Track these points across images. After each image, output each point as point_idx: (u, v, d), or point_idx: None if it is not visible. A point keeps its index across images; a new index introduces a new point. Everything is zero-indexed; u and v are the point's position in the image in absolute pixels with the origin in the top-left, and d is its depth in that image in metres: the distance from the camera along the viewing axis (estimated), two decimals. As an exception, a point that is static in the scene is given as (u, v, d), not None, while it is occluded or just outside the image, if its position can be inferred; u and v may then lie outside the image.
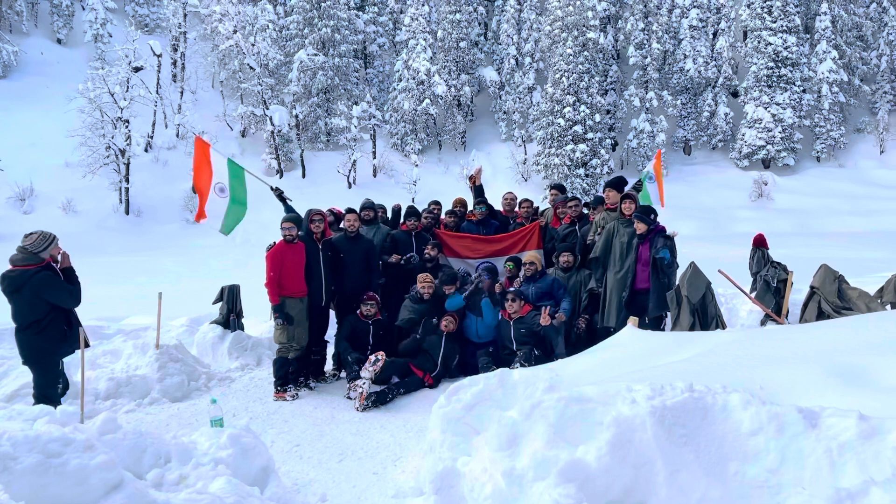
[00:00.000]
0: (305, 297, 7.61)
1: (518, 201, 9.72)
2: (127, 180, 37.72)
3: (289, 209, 8.44)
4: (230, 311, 9.08)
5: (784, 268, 7.46)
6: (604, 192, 8.24)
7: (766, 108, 45.00)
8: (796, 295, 8.01)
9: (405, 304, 8.07)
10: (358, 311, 7.88)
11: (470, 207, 9.76)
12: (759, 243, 7.94)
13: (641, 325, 6.99)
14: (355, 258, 8.08)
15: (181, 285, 21.75)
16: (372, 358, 7.09)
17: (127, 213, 37.85)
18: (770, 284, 7.24)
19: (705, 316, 6.51)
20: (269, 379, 7.69)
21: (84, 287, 6.28)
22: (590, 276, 8.01)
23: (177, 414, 6.76)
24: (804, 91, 45.91)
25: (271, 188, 8.76)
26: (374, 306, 7.83)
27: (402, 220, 9.23)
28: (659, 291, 7.02)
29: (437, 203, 9.75)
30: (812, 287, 6.78)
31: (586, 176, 42.59)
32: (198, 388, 7.50)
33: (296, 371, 7.60)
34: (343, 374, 7.81)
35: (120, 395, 6.99)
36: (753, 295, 7.55)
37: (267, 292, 7.43)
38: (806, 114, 46.17)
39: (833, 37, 46.81)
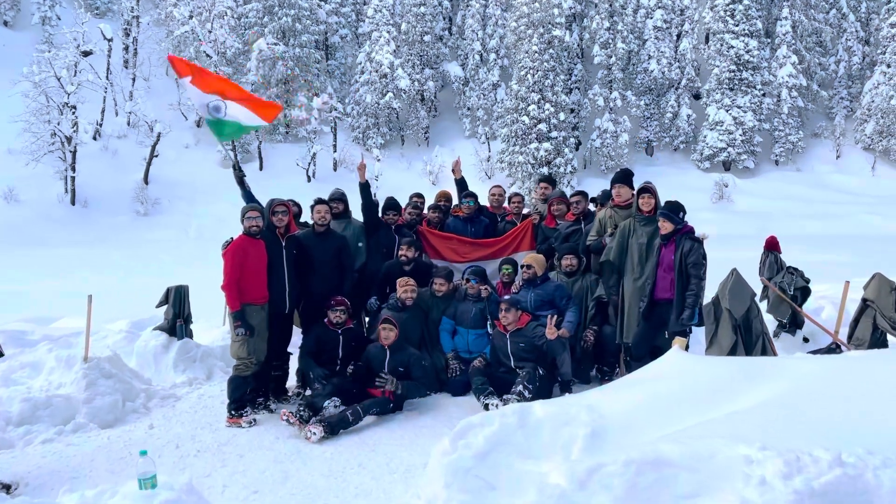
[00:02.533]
0: (266, 305, 6.48)
1: (507, 196, 8.71)
2: (73, 169, 35.86)
3: (248, 196, 7.08)
4: (176, 316, 7.85)
5: (801, 274, 6.66)
6: (612, 188, 7.22)
7: (727, 111, 45.19)
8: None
9: (383, 313, 7.04)
10: (325, 319, 6.79)
11: (455, 202, 8.69)
12: (772, 247, 7.11)
13: (662, 342, 6.16)
14: (325, 257, 6.96)
15: (129, 281, 20.45)
16: (325, 403, 5.97)
17: (73, 203, 36.03)
18: (786, 293, 6.44)
19: (749, 334, 5.64)
20: (220, 397, 6.54)
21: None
22: (597, 281, 7.13)
23: (106, 445, 5.56)
24: (764, 95, 46.18)
25: (234, 166, 7.54)
26: (344, 312, 6.74)
27: (380, 213, 8.09)
28: (684, 302, 6.05)
29: (419, 196, 8.69)
30: (865, 299, 5.95)
31: (550, 174, 42.10)
32: (134, 409, 6.29)
33: (254, 390, 6.48)
34: (308, 392, 6.72)
35: (37, 420, 5.73)
36: (765, 304, 6.79)
37: (225, 297, 6.26)
38: (766, 117, 46.46)
39: (793, 42, 47.18)
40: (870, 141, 45.70)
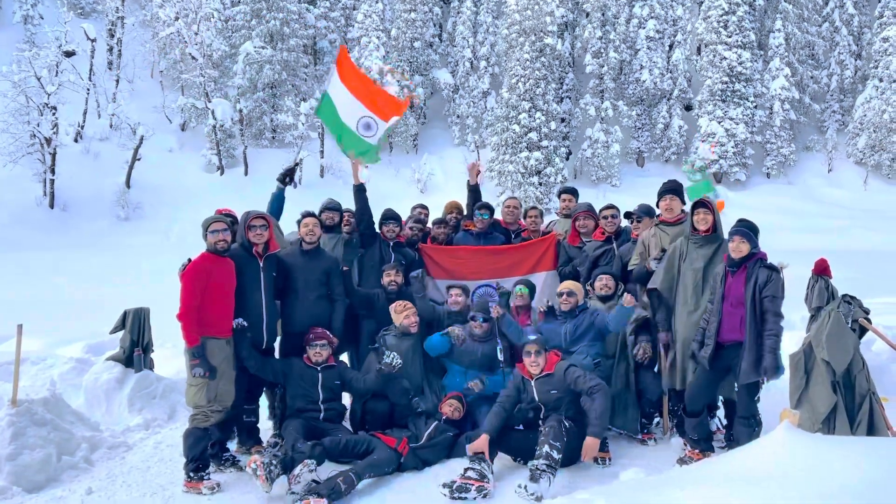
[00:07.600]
0: (231, 338, 5.46)
1: (524, 210, 7.73)
2: (52, 171, 34.90)
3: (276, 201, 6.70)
4: (134, 344, 6.82)
5: (860, 303, 5.66)
6: (659, 200, 6.09)
7: (719, 123, 44.80)
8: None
9: (383, 340, 6.07)
10: (304, 356, 5.82)
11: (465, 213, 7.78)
12: (822, 271, 5.97)
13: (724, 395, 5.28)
14: (311, 281, 5.99)
15: (102, 290, 19.53)
16: (296, 471, 4.88)
17: (51, 206, 35.08)
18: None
19: (850, 393, 4.63)
20: (181, 445, 5.40)
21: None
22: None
23: (27, 517, 4.46)
24: (756, 107, 45.86)
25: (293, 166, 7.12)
26: (326, 347, 5.78)
27: (378, 226, 7.10)
28: (759, 345, 4.98)
29: (423, 207, 7.72)
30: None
31: (540, 184, 41.51)
32: (73, 464, 5.19)
33: (219, 442, 5.48)
34: (285, 442, 5.62)
35: (-53, 483, 4.68)
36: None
37: (181, 328, 5.19)
38: (758, 130, 46.15)
39: (786, 54, 46.95)
40: (862, 155, 45.45)
